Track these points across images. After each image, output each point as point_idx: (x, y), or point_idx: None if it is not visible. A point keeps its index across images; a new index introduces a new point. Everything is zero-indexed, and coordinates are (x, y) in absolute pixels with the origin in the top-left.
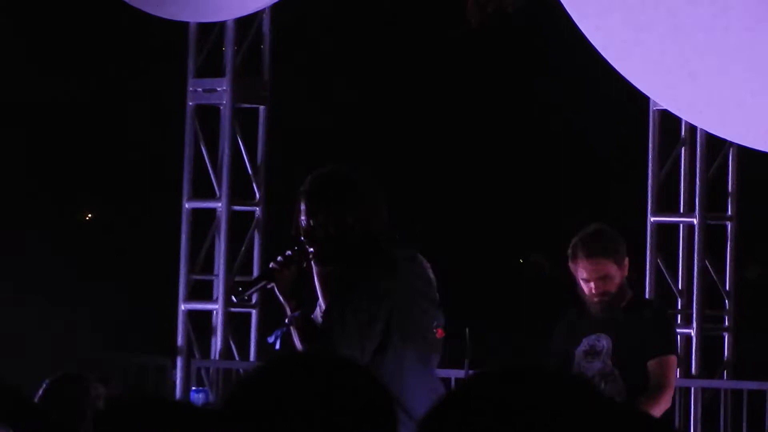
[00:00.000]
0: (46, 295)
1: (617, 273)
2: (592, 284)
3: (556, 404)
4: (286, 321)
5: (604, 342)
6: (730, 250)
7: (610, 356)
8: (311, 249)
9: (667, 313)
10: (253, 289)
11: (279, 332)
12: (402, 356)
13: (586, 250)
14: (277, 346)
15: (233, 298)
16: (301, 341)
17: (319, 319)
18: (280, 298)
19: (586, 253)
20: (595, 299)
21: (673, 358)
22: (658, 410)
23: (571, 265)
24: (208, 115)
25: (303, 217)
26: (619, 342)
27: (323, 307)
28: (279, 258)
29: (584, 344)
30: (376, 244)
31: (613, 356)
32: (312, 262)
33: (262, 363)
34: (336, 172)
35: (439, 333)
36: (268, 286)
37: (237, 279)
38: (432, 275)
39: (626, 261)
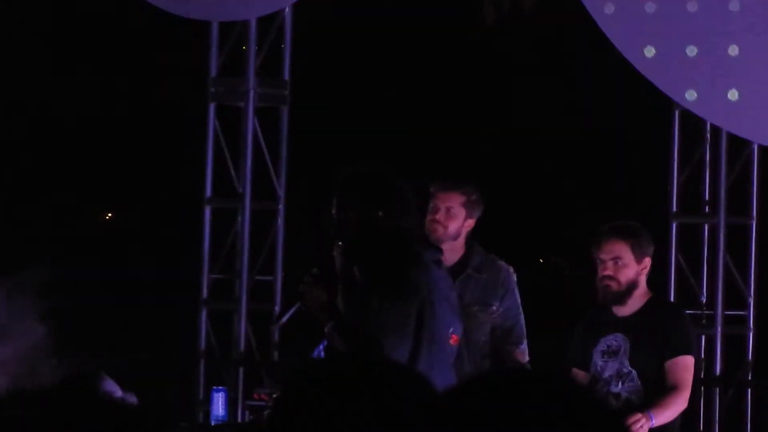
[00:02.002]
0: (66, 293)
1: (631, 263)
2: (604, 265)
3: (544, 409)
4: (326, 332)
5: (621, 342)
6: (754, 250)
7: (627, 356)
8: (340, 244)
9: (683, 313)
10: (288, 315)
11: (321, 346)
12: (430, 358)
13: (608, 230)
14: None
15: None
16: (346, 347)
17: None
18: (315, 315)
19: (606, 232)
20: (604, 282)
21: (690, 359)
22: (673, 411)
23: (594, 252)
24: (230, 114)
25: (334, 212)
26: (636, 342)
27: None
28: (306, 279)
29: (602, 344)
30: (405, 243)
31: (630, 356)
32: (336, 257)
33: (304, 369)
34: (370, 169)
35: (454, 339)
36: (303, 309)
37: (259, 278)
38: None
39: (646, 260)
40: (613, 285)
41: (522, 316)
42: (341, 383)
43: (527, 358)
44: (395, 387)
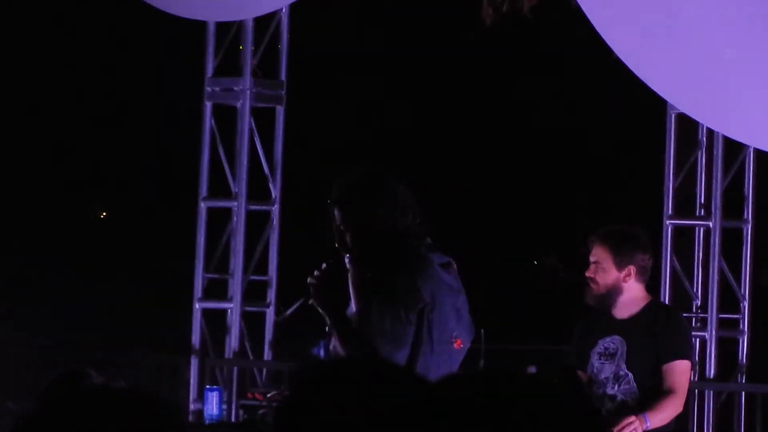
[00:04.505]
0: (61, 292)
1: (611, 269)
2: (589, 267)
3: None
4: (327, 330)
5: (619, 345)
6: (747, 253)
7: (623, 359)
8: (346, 255)
9: (681, 317)
10: (294, 307)
11: (322, 343)
12: (427, 362)
13: (597, 233)
14: (322, 356)
15: (276, 317)
16: (343, 348)
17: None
18: (320, 310)
19: (595, 236)
20: (587, 283)
21: (686, 363)
22: (667, 415)
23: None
24: (226, 114)
25: (335, 224)
26: (632, 345)
27: (354, 309)
28: (315, 272)
29: (599, 346)
30: (409, 247)
31: (627, 359)
32: (348, 267)
33: (307, 371)
34: (364, 178)
35: (457, 344)
36: (309, 302)
37: (253, 278)
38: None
39: (630, 269)
40: (594, 287)
41: None
42: (342, 386)
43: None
44: (393, 389)
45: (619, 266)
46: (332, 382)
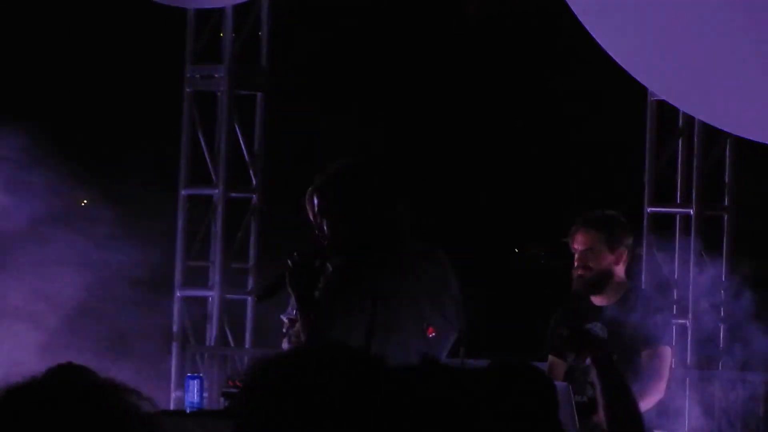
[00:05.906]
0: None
1: (605, 254)
2: (577, 255)
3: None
4: (294, 312)
5: (599, 332)
6: (726, 241)
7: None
8: (325, 245)
9: (662, 304)
10: (274, 291)
11: (290, 309)
12: (384, 348)
13: (583, 220)
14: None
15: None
16: (302, 332)
17: None
18: (291, 292)
19: (581, 223)
20: (578, 272)
21: (667, 349)
22: (648, 401)
23: (570, 243)
24: (206, 101)
25: (316, 215)
26: (614, 332)
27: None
28: (295, 254)
29: None
30: (381, 234)
31: (609, 346)
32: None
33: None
34: (344, 165)
35: (429, 331)
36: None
37: (233, 265)
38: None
39: (622, 251)
40: (586, 274)
41: None
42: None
43: None
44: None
45: (612, 249)
46: (282, 372)
